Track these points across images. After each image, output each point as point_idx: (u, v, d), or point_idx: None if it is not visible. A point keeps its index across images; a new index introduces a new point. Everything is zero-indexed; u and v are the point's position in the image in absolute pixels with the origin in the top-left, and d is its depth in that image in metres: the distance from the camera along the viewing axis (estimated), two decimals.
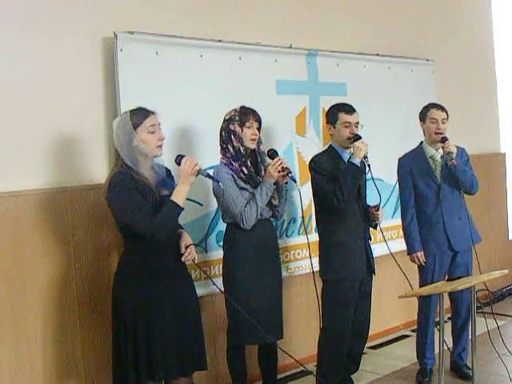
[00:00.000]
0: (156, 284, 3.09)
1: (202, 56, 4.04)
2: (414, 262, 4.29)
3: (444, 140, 4.12)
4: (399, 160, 4.37)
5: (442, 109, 4.23)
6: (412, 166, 4.26)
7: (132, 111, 3.12)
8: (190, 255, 3.20)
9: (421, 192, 4.24)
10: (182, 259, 3.19)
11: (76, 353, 3.58)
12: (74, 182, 3.60)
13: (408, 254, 4.32)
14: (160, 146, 3.13)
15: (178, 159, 3.16)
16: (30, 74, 3.43)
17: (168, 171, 3.27)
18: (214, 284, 3.47)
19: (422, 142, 4.31)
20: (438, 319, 4.32)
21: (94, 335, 3.63)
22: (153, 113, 3.14)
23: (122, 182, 3.02)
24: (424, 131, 4.28)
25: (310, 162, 3.90)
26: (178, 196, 3.08)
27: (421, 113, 4.29)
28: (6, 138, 3.35)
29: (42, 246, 3.46)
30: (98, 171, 3.68)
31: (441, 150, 4.18)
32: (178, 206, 3.06)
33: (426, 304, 4.24)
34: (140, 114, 3.11)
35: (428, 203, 4.22)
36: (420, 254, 4.24)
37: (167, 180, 3.22)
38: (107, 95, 3.71)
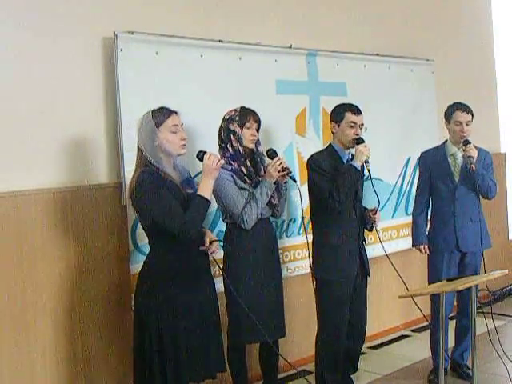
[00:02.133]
0: (182, 284, 3.07)
1: (202, 56, 4.04)
2: (421, 252, 4.37)
3: (466, 143, 4.10)
4: (421, 154, 4.43)
5: (467, 111, 4.17)
6: (432, 162, 4.29)
7: (154, 110, 3.10)
8: (214, 248, 3.22)
9: (437, 189, 4.26)
10: (209, 252, 3.19)
11: (76, 354, 3.57)
12: (74, 183, 3.59)
13: (413, 245, 4.41)
14: (183, 145, 3.11)
15: (201, 155, 3.16)
16: (30, 74, 3.43)
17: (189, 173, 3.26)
18: (227, 282, 3.47)
19: (446, 141, 4.30)
20: (452, 314, 4.36)
21: (94, 336, 3.63)
22: (175, 112, 3.12)
23: (150, 180, 2.99)
24: (448, 130, 4.26)
25: (308, 160, 3.89)
26: (205, 190, 3.06)
27: (446, 112, 4.26)
28: (5, 138, 3.35)
29: (43, 246, 3.45)
30: (98, 171, 3.68)
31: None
32: (205, 199, 3.05)
33: (436, 301, 4.24)
34: (162, 113, 3.09)
35: (442, 201, 4.24)
36: (423, 247, 4.32)
37: (191, 180, 3.22)
38: (107, 95, 3.71)
